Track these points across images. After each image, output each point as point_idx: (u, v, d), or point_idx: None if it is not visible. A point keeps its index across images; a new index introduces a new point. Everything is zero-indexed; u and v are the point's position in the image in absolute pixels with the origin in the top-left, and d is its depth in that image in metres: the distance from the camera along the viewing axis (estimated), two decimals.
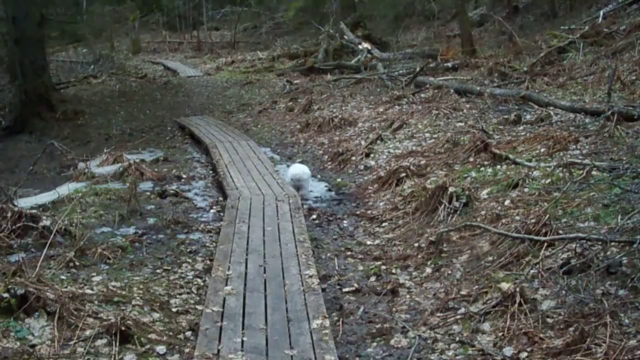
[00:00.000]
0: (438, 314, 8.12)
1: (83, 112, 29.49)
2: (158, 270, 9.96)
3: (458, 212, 11.18)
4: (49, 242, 9.98)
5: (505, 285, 7.75)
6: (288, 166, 16.74)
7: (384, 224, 12.20)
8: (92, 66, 42.39)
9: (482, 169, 13.23)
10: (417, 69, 25.44)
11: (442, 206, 11.38)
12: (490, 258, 9.15)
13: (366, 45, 35.23)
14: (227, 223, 11.78)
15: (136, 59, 50.51)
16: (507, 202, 10.90)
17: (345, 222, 12.80)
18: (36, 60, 29.67)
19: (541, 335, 6.93)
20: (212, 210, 13.57)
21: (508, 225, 9.79)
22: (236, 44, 53.22)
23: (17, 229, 10.69)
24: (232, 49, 51.89)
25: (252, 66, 40.31)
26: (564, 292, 7.47)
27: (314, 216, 13.07)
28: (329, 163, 17.61)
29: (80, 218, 11.95)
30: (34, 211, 11.51)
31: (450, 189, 11.56)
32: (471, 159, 14.09)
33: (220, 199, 14.47)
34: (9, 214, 10.89)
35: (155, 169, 17.00)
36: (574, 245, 8.31)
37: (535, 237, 8.75)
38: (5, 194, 13.39)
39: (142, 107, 30.87)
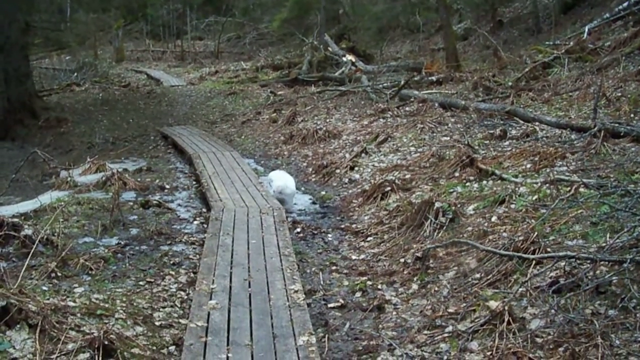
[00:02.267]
0: (425, 332, 8.02)
1: (66, 120, 29.35)
2: (141, 283, 9.83)
3: (444, 227, 11.10)
4: (31, 251, 9.81)
5: (493, 304, 7.65)
6: (271, 171, 16.67)
7: (369, 239, 12.10)
8: (75, 74, 42.27)
9: (468, 184, 13.15)
10: (402, 82, 25.43)
11: (428, 221, 11.30)
12: (478, 275, 9.05)
13: (350, 57, 35.23)
14: (211, 235, 11.65)
15: (119, 67, 50.39)
16: (494, 219, 10.81)
17: (330, 235, 12.70)
18: (20, 67, 29.55)
19: (530, 356, 6.82)
20: (195, 222, 13.44)
21: (495, 242, 9.70)
22: (220, 54, 53.23)
23: None
24: (216, 59, 51.91)
25: (235, 76, 40.32)
26: (553, 311, 7.38)
27: (299, 229, 12.97)
28: (313, 175, 17.53)
29: (63, 227, 11.82)
30: (15, 220, 11.34)
31: (437, 204, 11.48)
32: (457, 174, 14.01)
33: (204, 210, 14.34)
34: None
35: (138, 179, 16.86)
36: (562, 264, 8.22)
37: (524, 255, 8.67)
38: None
39: (125, 115, 30.73)
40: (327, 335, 8.33)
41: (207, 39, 59.78)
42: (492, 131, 16.81)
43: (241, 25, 59.08)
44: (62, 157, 22.61)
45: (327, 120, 23.12)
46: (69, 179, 16.60)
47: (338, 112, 24.28)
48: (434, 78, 26.87)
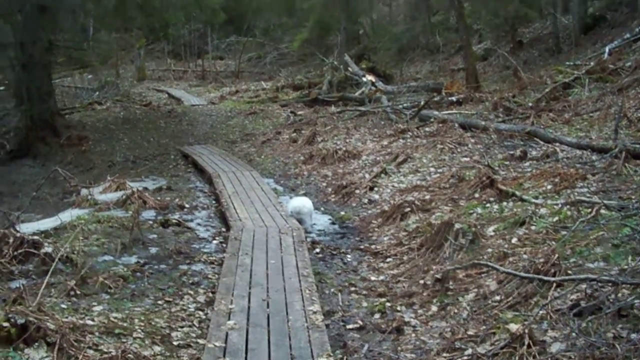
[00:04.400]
0: (444, 355, 7.93)
1: (87, 139, 29.43)
2: (159, 302, 9.81)
3: (464, 249, 11.01)
4: (51, 269, 9.79)
5: (513, 326, 7.56)
6: (291, 197, 16.62)
7: (388, 260, 12.03)
8: (97, 92, 42.49)
9: (488, 205, 13.07)
10: (422, 103, 25.41)
11: (448, 243, 11.22)
12: (498, 297, 8.97)
13: (370, 77, 35.26)
14: (230, 255, 11.61)
15: (141, 86, 50.56)
16: (514, 240, 10.73)
17: (349, 256, 12.64)
18: (42, 86, 29.71)
19: None
20: (214, 241, 13.41)
21: (515, 264, 9.62)
22: (240, 73, 53.35)
23: (18, 255, 10.61)
24: (236, 78, 52.02)
25: (256, 96, 40.37)
26: (574, 334, 7.29)
27: (318, 250, 12.92)
28: (333, 196, 17.46)
29: (82, 245, 11.82)
30: (35, 237, 11.36)
31: (456, 225, 11.40)
32: (477, 195, 13.94)
33: (223, 229, 14.31)
34: (11, 240, 10.79)
35: (158, 198, 16.86)
36: (583, 286, 8.12)
37: (544, 277, 8.58)
38: (7, 219, 13.27)
39: (145, 134, 30.79)
40: (345, 357, 8.26)
41: (228, 59, 59.93)
42: (512, 152, 16.75)
43: (262, 45, 59.24)
44: (83, 175, 22.69)
45: (347, 141, 23.08)
46: (89, 197, 16.64)
47: (358, 132, 24.24)
48: (454, 98, 26.80)
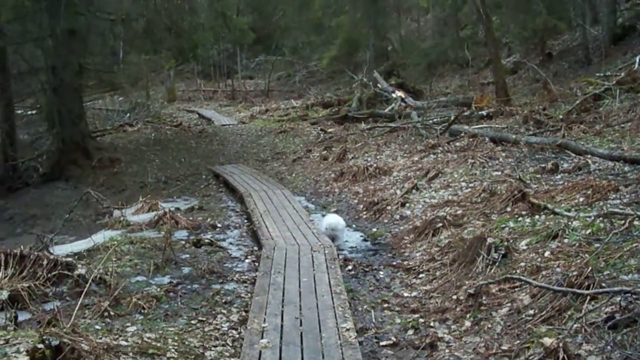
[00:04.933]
0: None
1: (119, 160, 29.60)
2: (193, 321, 9.84)
3: (497, 263, 10.96)
4: (84, 290, 9.88)
5: (547, 340, 7.52)
6: (323, 216, 16.63)
7: (420, 275, 12.01)
8: (127, 114, 42.71)
9: (520, 219, 13.01)
10: (452, 118, 25.35)
11: (480, 257, 11.17)
12: (531, 312, 8.92)
13: (400, 93, 35.29)
14: (263, 274, 11.63)
15: (171, 107, 50.83)
16: (547, 254, 10.67)
17: (381, 273, 12.62)
18: (73, 109, 29.93)
19: None
20: (247, 260, 13.45)
21: (549, 278, 9.57)
22: (270, 92, 53.54)
23: (52, 277, 10.70)
24: (266, 97, 52.21)
25: (286, 115, 40.41)
26: (609, 347, 7.24)
27: (350, 267, 12.91)
28: (364, 212, 17.46)
29: (115, 267, 11.91)
30: (69, 259, 11.45)
31: (489, 240, 11.35)
32: (509, 209, 13.88)
33: (255, 248, 14.35)
34: (45, 262, 10.87)
35: (190, 218, 16.95)
36: (618, 299, 8.06)
37: (578, 291, 8.53)
38: (41, 241, 13.40)
39: (177, 155, 30.93)
40: None
41: (257, 78, 60.21)
42: (543, 165, 16.67)
43: (291, 64, 59.46)
44: (114, 196, 22.78)
45: (378, 157, 23.08)
46: (121, 218, 16.76)
47: (388, 149, 24.23)
48: (484, 112, 26.73)
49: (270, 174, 24.88)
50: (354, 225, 16.43)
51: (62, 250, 13.68)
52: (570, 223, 11.54)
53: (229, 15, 43.75)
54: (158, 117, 43.08)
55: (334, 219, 15.09)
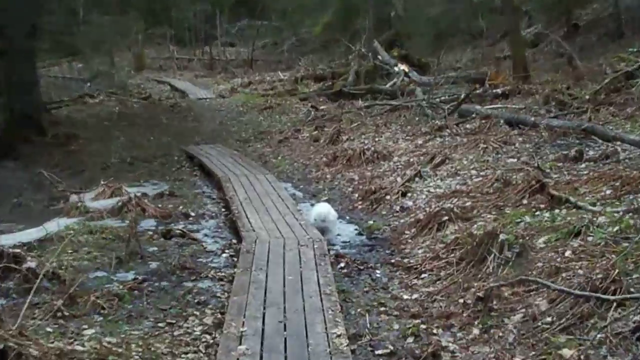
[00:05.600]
0: None
1: (77, 137, 29.38)
2: (160, 324, 9.86)
3: (510, 263, 11.00)
4: (34, 287, 9.82)
5: (567, 352, 7.58)
6: (312, 205, 16.65)
7: (423, 276, 12.03)
8: (88, 84, 42.61)
9: (537, 213, 13.04)
10: (462, 96, 25.36)
11: (492, 256, 11.20)
12: (549, 319, 8.96)
13: (403, 67, 35.25)
14: (242, 270, 11.66)
15: (139, 77, 50.77)
16: (567, 253, 10.71)
17: (378, 272, 12.63)
18: (25, 76, 29.56)
19: None
20: (224, 255, 13.48)
21: (569, 281, 9.61)
22: (254, 62, 53.45)
23: None
24: (250, 68, 52.11)
25: (272, 88, 40.41)
26: None
27: (342, 264, 12.91)
28: (360, 202, 17.47)
29: (71, 260, 11.94)
30: (17, 250, 11.43)
31: (501, 236, 11.39)
32: (525, 201, 13.91)
33: (234, 241, 14.38)
34: None
35: (159, 205, 16.95)
36: None
37: (603, 296, 8.57)
38: None
39: (145, 132, 30.83)
40: None
41: (240, 46, 60.08)
42: (566, 152, 16.69)
43: (278, 31, 59.36)
44: (72, 179, 22.67)
45: (376, 139, 23.08)
46: (79, 204, 16.71)
47: (389, 130, 24.24)
48: (499, 91, 26.75)
49: (253, 156, 24.87)
50: (347, 217, 16.45)
51: (8, 239, 13.61)
52: (595, 219, 11.59)
53: None
54: (124, 88, 42.88)
55: (324, 209, 15.07)
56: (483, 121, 21.70)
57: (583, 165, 15.75)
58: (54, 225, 14.55)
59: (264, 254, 12.57)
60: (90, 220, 15.35)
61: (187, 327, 9.83)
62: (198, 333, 9.69)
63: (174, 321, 9.99)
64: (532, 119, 20.48)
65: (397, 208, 16.45)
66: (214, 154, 24.46)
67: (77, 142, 28.79)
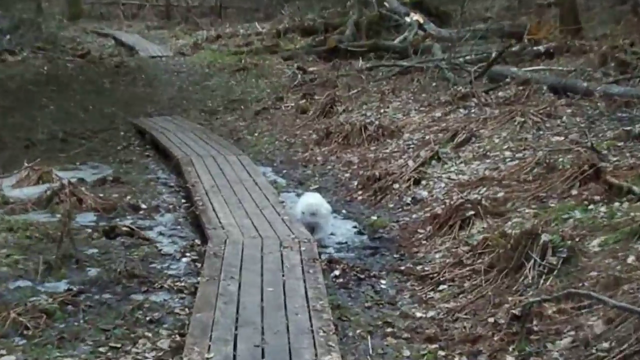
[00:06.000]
0: None
1: None
2: (101, 349, 9.84)
3: (555, 271, 11.01)
4: None
5: None
6: (298, 196, 16.66)
7: (441, 287, 12.05)
8: (7, 36, 42.48)
9: (591, 206, 13.06)
10: (493, 55, 25.37)
11: (531, 262, 11.21)
12: (606, 344, 8.97)
13: (417, 17, 35.28)
14: (208, 279, 11.65)
15: (75, 28, 50.62)
16: (630, 259, 10.72)
17: (383, 282, 12.66)
18: None
19: None
20: (184, 259, 13.47)
21: (633, 295, 9.62)
22: (224, 10, 53.38)
23: None
24: (218, 17, 52.08)
25: (246, 44, 40.36)
26: None
27: (337, 272, 12.91)
28: (360, 192, 17.50)
29: None
30: None
31: (543, 237, 11.39)
32: (574, 192, 13.93)
33: (197, 242, 14.37)
34: None
35: (101, 195, 16.91)
36: None
37: None
38: None
39: (82, 100, 30.77)
40: None
41: None
42: (628, 128, 16.70)
43: None
44: None
45: (382, 111, 23.11)
46: None
47: (397, 99, 24.26)
48: (541, 48, 26.81)
49: (222, 131, 24.91)
50: (344, 211, 16.50)
51: None
52: None
53: None
54: (54, 43, 42.79)
55: (315, 201, 15.06)
56: (520, 88, 21.70)
57: None
58: None
59: (236, 259, 12.57)
60: (11, 213, 15.30)
61: (137, 353, 9.82)
62: None
63: (119, 345, 9.97)
64: (585, 84, 20.51)
65: (408, 200, 16.48)
66: (171, 129, 24.46)
67: None
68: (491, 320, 10.47)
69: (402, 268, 13.13)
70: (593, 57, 24.12)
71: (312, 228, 14.39)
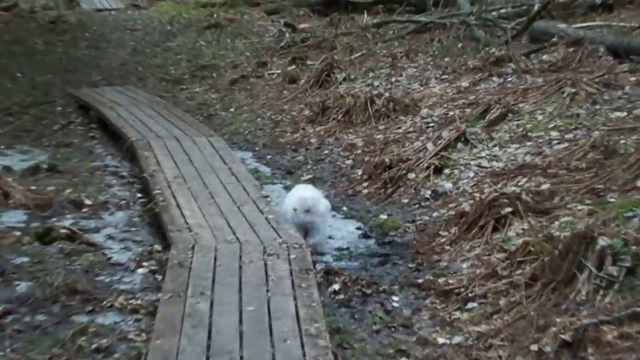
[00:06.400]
0: None
1: None
2: None
3: (616, 286, 11.01)
4: None
5: None
6: (285, 189, 16.68)
7: (470, 305, 12.04)
8: None
9: None
10: (535, 8, 25.36)
11: (585, 274, 11.21)
12: None
13: None
14: (171, 296, 11.62)
15: None
16: None
17: (395, 298, 12.64)
18: None
19: None
20: (140, 270, 13.45)
21: None
22: None
23: None
24: None
25: None
26: None
27: (337, 286, 12.88)
28: (366, 184, 17.50)
29: None
30: None
31: (601, 241, 11.38)
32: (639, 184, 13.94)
33: (158, 248, 14.34)
34: None
35: (33, 187, 16.90)
36: None
37: None
38: None
39: (8, 66, 30.80)
40: None
41: None
42: None
43: None
44: None
45: (393, 80, 23.13)
46: None
47: (413, 65, 24.30)
48: None
49: (189, 106, 24.95)
50: (345, 208, 16.51)
51: None
52: None
53: None
54: None
55: (308, 195, 15.00)
56: (571, 49, 21.69)
57: None
58: None
59: (207, 270, 12.53)
60: None
61: None
62: None
63: None
64: None
65: (427, 194, 16.49)
66: (123, 103, 24.46)
67: None
68: (534, 347, 10.46)
69: (420, 281, 13.11)
70: None
71: (306, 230, 14.35)
